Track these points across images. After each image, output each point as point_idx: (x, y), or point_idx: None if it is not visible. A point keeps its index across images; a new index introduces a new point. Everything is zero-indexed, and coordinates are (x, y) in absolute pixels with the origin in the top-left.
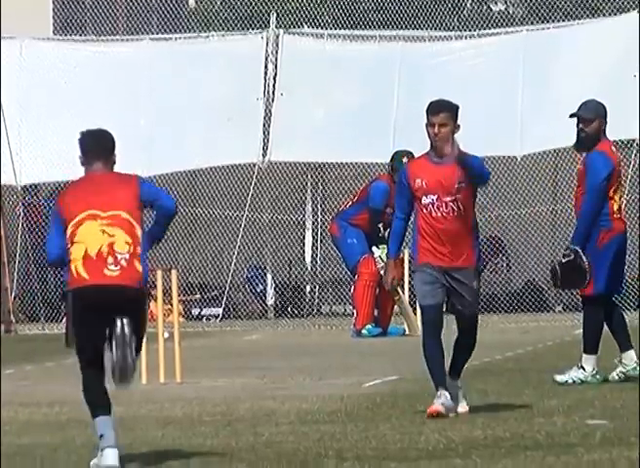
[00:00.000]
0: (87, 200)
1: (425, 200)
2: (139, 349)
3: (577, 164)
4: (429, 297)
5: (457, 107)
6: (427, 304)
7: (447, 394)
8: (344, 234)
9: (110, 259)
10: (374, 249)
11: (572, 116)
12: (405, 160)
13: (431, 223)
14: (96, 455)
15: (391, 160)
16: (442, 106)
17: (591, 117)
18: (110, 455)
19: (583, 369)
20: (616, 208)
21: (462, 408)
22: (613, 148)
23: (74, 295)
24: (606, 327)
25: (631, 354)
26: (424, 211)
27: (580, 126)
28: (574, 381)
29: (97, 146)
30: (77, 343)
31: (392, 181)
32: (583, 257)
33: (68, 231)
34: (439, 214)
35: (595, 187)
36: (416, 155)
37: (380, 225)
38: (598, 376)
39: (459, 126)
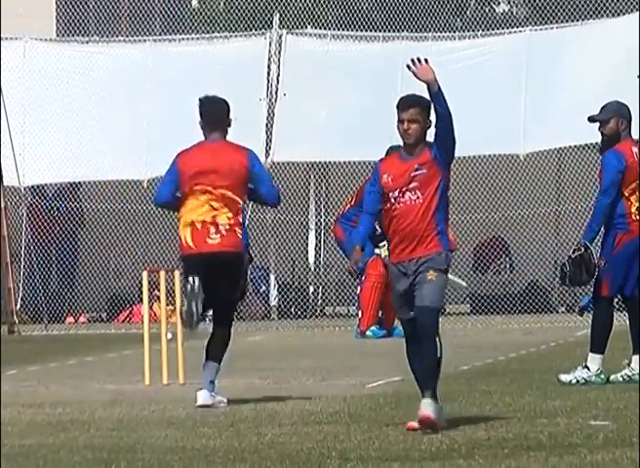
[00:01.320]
0: (202, 171)
1: (392, 196)
2: (234, 306)
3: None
4: (404, 312)
5: (428, 102)
6: (403, 319)
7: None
8: (350, 237)
9: (212, 229)
10: (376, 250)
11: (590, 120)
12: None
13: (395, 218)
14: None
15: (386, 155)
16: (412, 101)
17: (606, 118)
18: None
19: (588, 368)
20: (634, 209)
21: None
22: (634, 149)
23: (184, 261)
24: (628, 327)
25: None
26: (389, 206)
27: (600, 129)
28: (577, 381)
29: (215, 115)
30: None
31: None
32: (593, 253)
33: (183, 191)
34: (400, 206)
35: (605, 184)
36: None
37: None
38: (602, 376)
39: (430, 122)
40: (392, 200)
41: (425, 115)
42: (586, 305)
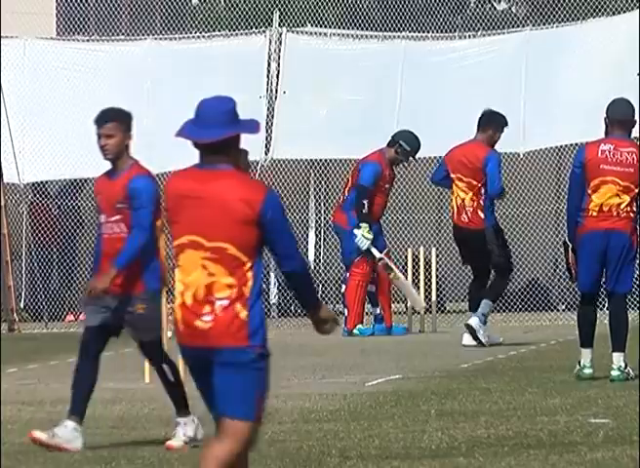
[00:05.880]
0: None
1: (100, 219)
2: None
3: None
4: (89, 318)
5: (127, 115)
6: (86, 325)
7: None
8: (352, 230)
9: None
10: (355, 230)
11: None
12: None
13: (103, 245)
14: None
15: (388, 144)
16: (108, 116)
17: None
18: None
19: (579, 363)
20: (592, 205)
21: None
22: (604, 147)
23: None
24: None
25: (615, 356)
26: (100, 230)
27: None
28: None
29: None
30: None
31: (382, 160)
32: (569, 253)
33: None
34: (106, 236)
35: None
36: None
37: (365, 201)
38: (586, 371)
39: (131, 135)
40: (101, 224)
41: (125, 129)
42: None
